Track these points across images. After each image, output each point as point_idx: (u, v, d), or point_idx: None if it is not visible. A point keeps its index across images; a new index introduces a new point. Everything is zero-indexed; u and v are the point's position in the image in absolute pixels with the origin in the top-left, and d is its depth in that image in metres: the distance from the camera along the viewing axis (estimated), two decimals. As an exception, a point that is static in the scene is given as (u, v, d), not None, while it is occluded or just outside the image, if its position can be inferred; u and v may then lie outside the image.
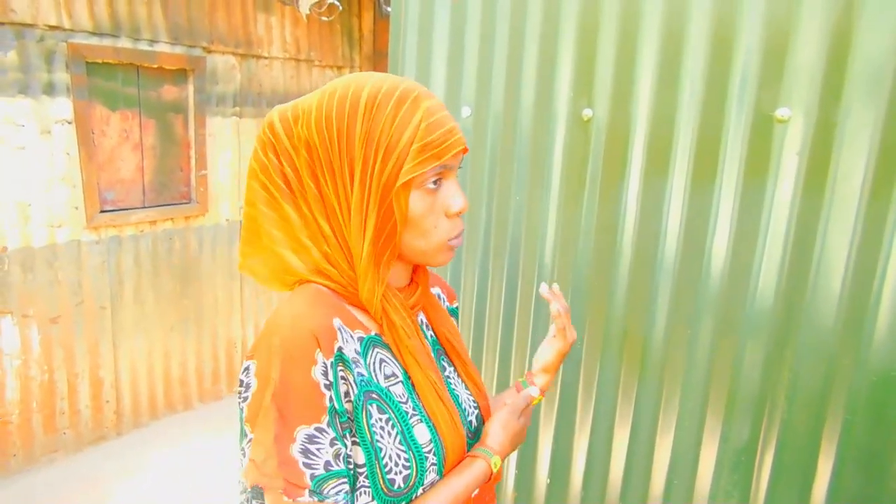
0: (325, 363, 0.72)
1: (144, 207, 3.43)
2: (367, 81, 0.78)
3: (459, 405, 0.91)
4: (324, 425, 0.71)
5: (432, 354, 0.91)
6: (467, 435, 0.90)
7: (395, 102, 0.76)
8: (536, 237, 1.86)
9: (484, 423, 0.94)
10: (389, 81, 0.78)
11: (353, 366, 0.76)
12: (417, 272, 0.91)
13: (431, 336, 0.94)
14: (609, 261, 1.72)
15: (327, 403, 0.72)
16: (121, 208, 3.33)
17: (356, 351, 0.78)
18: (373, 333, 0.82)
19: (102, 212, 3.23)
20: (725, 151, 1.49)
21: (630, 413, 1.74)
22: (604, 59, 1.65)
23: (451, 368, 0.94)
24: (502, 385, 2.02)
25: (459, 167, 0.85)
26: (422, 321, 0.93)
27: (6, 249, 2.91)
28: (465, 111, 1.95)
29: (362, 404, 0.76)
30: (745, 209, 1.48)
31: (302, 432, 0.70)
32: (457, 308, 1.10)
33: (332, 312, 0.78)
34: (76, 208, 3.11)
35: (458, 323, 1.10)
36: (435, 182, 0.79)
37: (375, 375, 0.79)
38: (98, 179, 3.20)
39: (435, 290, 1.05)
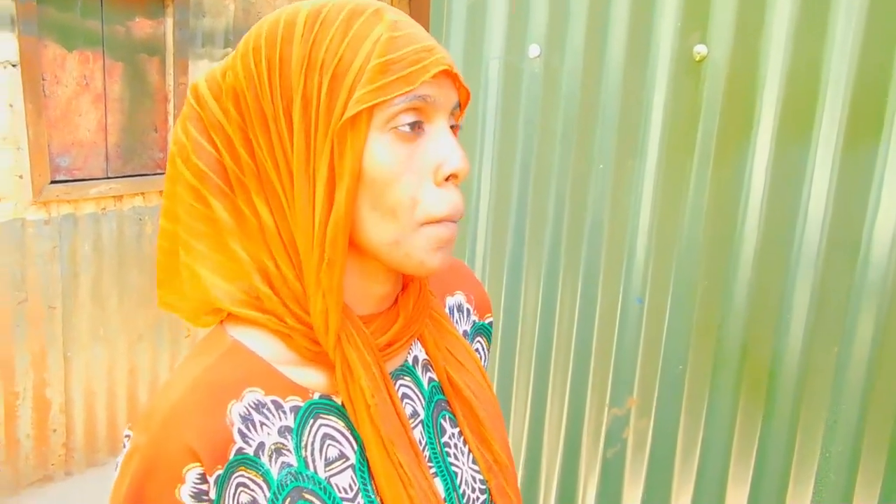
0: (198, 483, 0.72)
1: (108, 178, 3.50)
2: (309, 1, 0.76)
3: (454, 489, 0.86)
4: None
5: (419, 414, 0.86)
6: None
7: (346, 15, 0.73)
8: (626, 222, 1.86)
9: None
10: (340, 0, 0.76)
11: (272, 459, 0.75)
12: (407, 291, 0.84)
13: (431, 381, 0.89)
14: (726, 254, 1.71)
15: None
16: (77, 179, 3.41)
17: (285, 431, 0.77)
18: (316, 396, 0.79)
19: (54, 182, 3.32)
20: None
21: (751, 465, 1.73)
22: (725, -22, 1.64)
23: (456, 430, 0.89)
24: (573, 435, 2.01)
25: (458, 124, 0.78)
26: (417, 358, 0.88)
27: (-68, 228, 3.02)
28: (533, 51, 1.95)
29: None
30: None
31: None
32: (490, 324, 1.03)
33: (239, 389, 0.76)
34: (20, 177, 3.20)
35: (489, 347, 1.03)
36: (412, 125, 0.73)
37: (312, 462, 0.77)
38: (49, 140, 3.29)
39: (455, 300, 0.99)
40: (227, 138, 0.77)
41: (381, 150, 0.72)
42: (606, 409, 1.96)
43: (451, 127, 0.77)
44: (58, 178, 3.35)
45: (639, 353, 1.88)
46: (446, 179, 0.74)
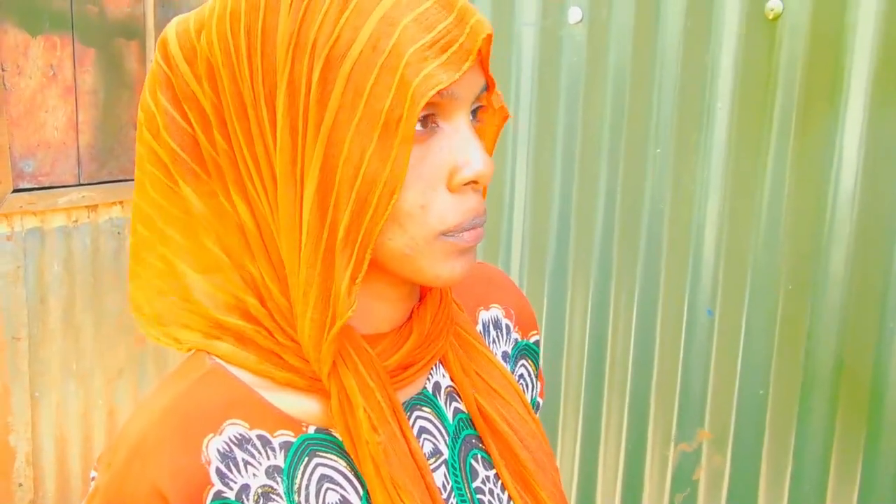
0: None
1: (80, 185, 3.54)
2: None
3: None
4: None
5: (441, 453, 0.85)
6: None
7: None
8: (691, 215, 1.85)
9: None
10: None
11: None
12: (424, 303, 0.84)
13: (457, 412, 0.88)
14: (814, 249, 1.70)
15: None
16: (45, 186, 3.46)
17: (274, 472, 0.77)
18: (311, 430, 0.79)
19: (17, 191, 3.36)
20: None
21: (853, 499, 1.71)
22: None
23: (491, 472, 0.88)
24: (633, 478, 2.00)
25: (480, 105, 0.76)
26: (438, 385, 0.88)
27: None
28: (574, 15, 1.96)
29: None
30: None
31: None
32: (536, 344, 1.02)
33: (218, 421, 0.76)
34: (-22, 185, 3.25)
35: (538, 369, 1.02)
36: (424, 122, 0.71)
37: None
38: (10, 141, 3.34)
39: (490, 314, 0.98)
40: (203, 115, 0.76)
41: None
42: (672, 444, 1.95)
43: (475, 111, 0.75)
44: (22, 186, 3.40)
45: (710, 376, 1.87)
46: (464, 185, 0.73)
